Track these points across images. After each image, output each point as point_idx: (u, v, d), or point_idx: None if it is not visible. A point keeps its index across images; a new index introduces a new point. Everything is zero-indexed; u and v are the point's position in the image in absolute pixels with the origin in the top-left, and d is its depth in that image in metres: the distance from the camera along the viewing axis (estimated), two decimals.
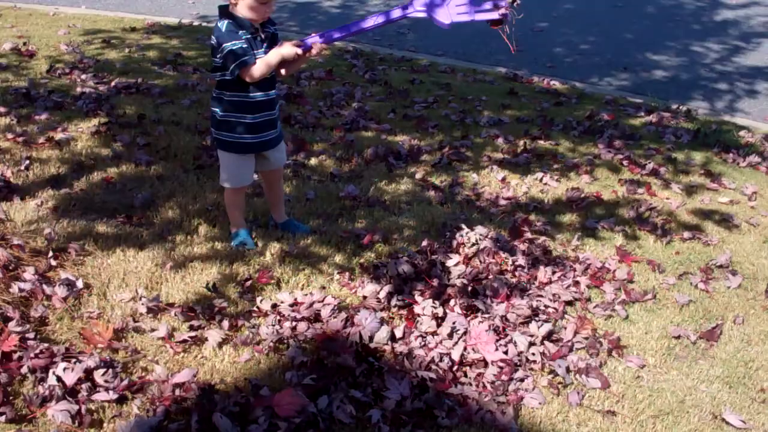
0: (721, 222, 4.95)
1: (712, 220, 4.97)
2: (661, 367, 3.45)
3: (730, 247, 4.64)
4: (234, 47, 3.53)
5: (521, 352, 3.31)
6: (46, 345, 2.95)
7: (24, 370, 2.84)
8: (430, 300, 3.49)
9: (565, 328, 3.53)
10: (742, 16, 11.38)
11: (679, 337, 3.66)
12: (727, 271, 4.34)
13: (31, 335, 3.03)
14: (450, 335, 3.32)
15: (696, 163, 5.92)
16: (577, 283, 3.92)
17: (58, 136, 4.98)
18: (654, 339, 3.63)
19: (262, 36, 3.69)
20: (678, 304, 3.95)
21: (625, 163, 5.70)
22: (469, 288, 3.63)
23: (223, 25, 3.57)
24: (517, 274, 3.89)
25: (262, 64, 3.60)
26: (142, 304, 3.33)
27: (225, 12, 3.63)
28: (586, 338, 3.50)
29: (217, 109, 3.77)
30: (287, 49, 3.66)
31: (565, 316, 3.67)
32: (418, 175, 5.06)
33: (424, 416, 2.88)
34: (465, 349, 3.27)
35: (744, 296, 4.14)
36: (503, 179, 5.16)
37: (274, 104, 3.84)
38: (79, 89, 5.96)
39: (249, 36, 3.61)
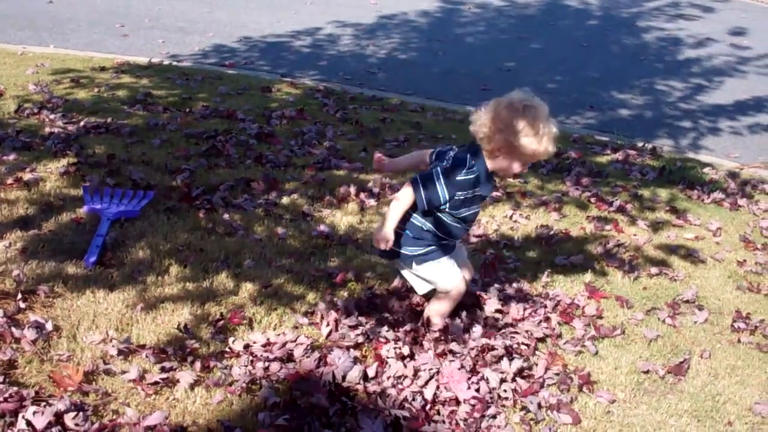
0: (686, 257, 5.02)
1: (678, 255, 5.04)
2: (631, 401, 3.48)
3: (696, 283, 4.70)
4: None
5: (493, 389, 3.33)
6: (15, 389, 2.93)
7: None
8: (392, 343, 3.51)
9: (536, 365, 3.56)
10: (704, 55, 11.61)
11: (648, 371, 3.70)
12: (694, 306, 4.40)
13: (0, 379, 3.00)
14: (416, 375, 3.34)
15: (662, 200, 6.00)
16: (548, 320, 3.95)
17: (27, 176, 4.96)
18: (623, 374, 3.66)
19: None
20: (646, 339, 3.99)
21: (592, 200, 5.78)
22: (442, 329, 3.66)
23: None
24: (490, 312, 3.91)
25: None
26: (113, 346, 3.32)
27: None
28: (557, 374, 3.52)
29: None
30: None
31: (536, 352, 3.69)
32: None
33: None
34: (437, 388, 3.29)
35: (710, 331, 4.19)
36: None
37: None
38: (47, 129, 5.94)
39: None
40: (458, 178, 3.32)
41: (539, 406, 3.30)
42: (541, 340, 3.80)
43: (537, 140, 3.27)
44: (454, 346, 3.55)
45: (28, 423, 2.77)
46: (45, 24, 9.98)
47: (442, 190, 3.31)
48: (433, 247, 3.52)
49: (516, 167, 3.38)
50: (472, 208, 3.48)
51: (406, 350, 3.46)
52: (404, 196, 3.37)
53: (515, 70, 10.04)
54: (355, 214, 5.02)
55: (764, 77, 10.76)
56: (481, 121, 3.38)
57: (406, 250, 3.53)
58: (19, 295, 3.57)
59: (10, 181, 4.88)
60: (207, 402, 3.10)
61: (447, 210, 3.40)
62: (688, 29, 13.26)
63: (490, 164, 3.40)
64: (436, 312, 3.70)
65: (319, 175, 5.57)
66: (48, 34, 9.56)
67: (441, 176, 3.32)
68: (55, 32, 9.66)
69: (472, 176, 3.34)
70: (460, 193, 3.33)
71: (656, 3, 15.30)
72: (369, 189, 5.39)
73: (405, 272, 3.70)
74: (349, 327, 3.62)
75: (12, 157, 5.30)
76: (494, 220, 5.19)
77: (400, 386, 3.28)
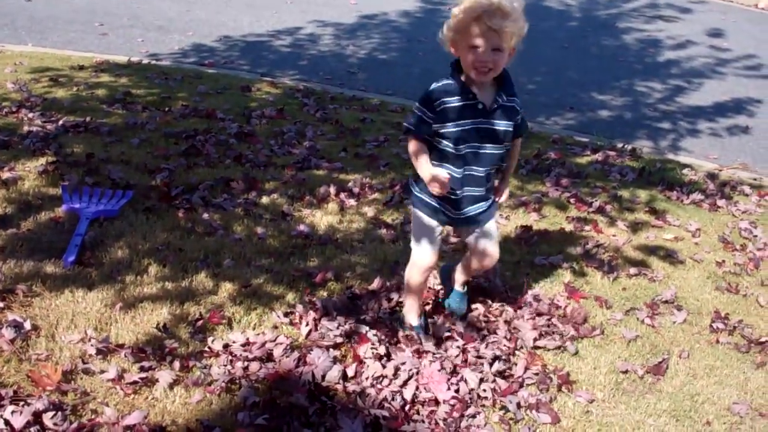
0: (665, 258, 5.04)
1: (657, 256, 5.06)
2: (610, 401, 3.49)
3: (675, 283, 4.73)
4: None
5: (472, 389, 3.34)
6: None
7: None
8: (368, 344, 3.51)
9: (516, 365, 3.57)
10: (683, 57, 11.67)
11: (626, 371, 3.71)
12: (673, 306, 4.42)
13: None
14: (395, 374, 3.35)
15: (641, 201, 6.03)
16: (529, 320, 3.96)
17: (5, 175, 4.93)
18: (602, 374, 3.68)
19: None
20: (625, 339, 4.01)
21: (572, 200, 5.79)
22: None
23: None
24: (473, 313, 3.92)
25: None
26: (92, 345, 3.31)
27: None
28: (536, 374, 3.53)
29: None
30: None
31: (516, 352, 3.70)
32: (369, 213, 5.09)
33: None
34: (417, 388, 3.29)
35: (689, 331, 4.21)
36: None
37: None
38: (26, 128, 5.91)
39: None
40: (431, 88, 3.27)
41: (518, 405, 3.31)
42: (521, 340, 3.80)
43: (459, 10, 3.13)
44: (429, 346, 3.55)
45: (7, 422, 2.76)
46: (23, 22, 9.92)
47: (419, 107, 3.29)
48: (422, 195, 3.48)
49: (469, 57, 3.14)
50: (469, 142, 3.28)
51: (382, 350, 3.46)
52: (409, 144, 3.37)
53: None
54: (335, 214, 5.01)
55: (743, 79, 10.83)
56: None
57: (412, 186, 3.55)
58: None
59: None
60: (186, 401, 3.09)
61: (440, 134, 3.29)
62: (667, 30, 13.34)
63: (463, 77, 3.27)
64: (405, 282, 3.73)
65: (299, 175, 5.56)
66: (26, 32, 9.50)
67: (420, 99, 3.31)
68: (33, 30, 9.59)
69: (443, 82, 3.27)
70: (437, 103, 3.24)
71: (635, 4, 15.38)
72: (349, 189, 5.38)
73: None
74: (329, 327, 3.61)
75: None
76: None
77: (379, 386, 3.28)
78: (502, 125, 3.30)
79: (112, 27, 10.14)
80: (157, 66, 8.46)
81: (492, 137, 3.30)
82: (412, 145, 3.31)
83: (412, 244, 3.59)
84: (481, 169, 3.34)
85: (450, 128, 3.25)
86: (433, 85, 3.27)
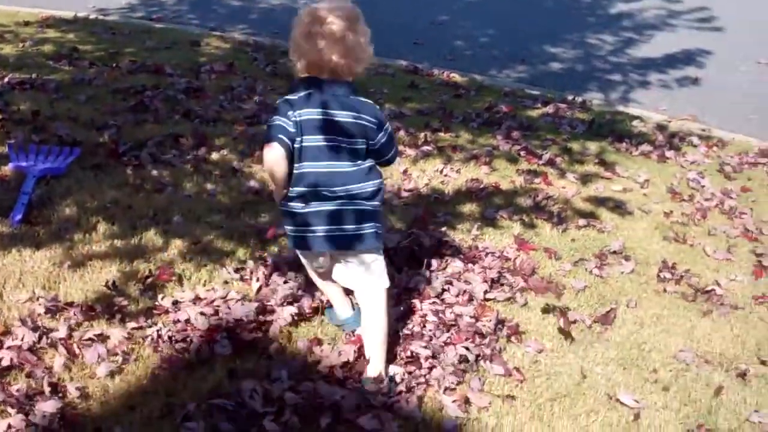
0: (614, 209, 5.10)
1: (606, 207, 5.12)
2: (558, 351, 3.54)
3: (623, 234, 4.79)
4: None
5: (428, 340, 3.38)
6: None
7: None
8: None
9: (469, 316, 3.59)
10: (635, 9, 11.70)
11: (575, 321, 3.77)
12: (621, 256, 4.48)
13: None
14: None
15: (591, 153, 6.08)
16: (480, 273, 3.99)
17: None
18: (551, 324, 3.72)
19: None
20: (574, 289, 4.06)
21: (522, 153, 5.82)
22: None
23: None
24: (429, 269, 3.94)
25: None
26: (40, 304, 3.28)
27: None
28: (485, 325, 3.56)
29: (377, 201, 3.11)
30: None
31: (467, 304, 3.73)
32: None
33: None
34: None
35: (637, 281, 4.28)
36: (405, 171, 5.21)
37: None
38: None
39: None
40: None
41: (469, 356, 3.34)
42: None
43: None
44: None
45: None
46: None
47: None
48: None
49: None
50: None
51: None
52: None
53: (448, 23, 10.02)
54: None
55: (694, 31, 10.89)
56: None
57: None
58: None
59: None
60: (138, 358, 3.09)
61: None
62: None
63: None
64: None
65: (250, 130, 5.52)
66: None
67: None
68: None
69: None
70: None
71: None
72: None
73: None
74: (279, 283, 3.62)
75: None
76: (425, 174, 5.20)
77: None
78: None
79: None
80: (105, 21, 8.33)
81: None
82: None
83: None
84: None
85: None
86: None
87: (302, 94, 2.93)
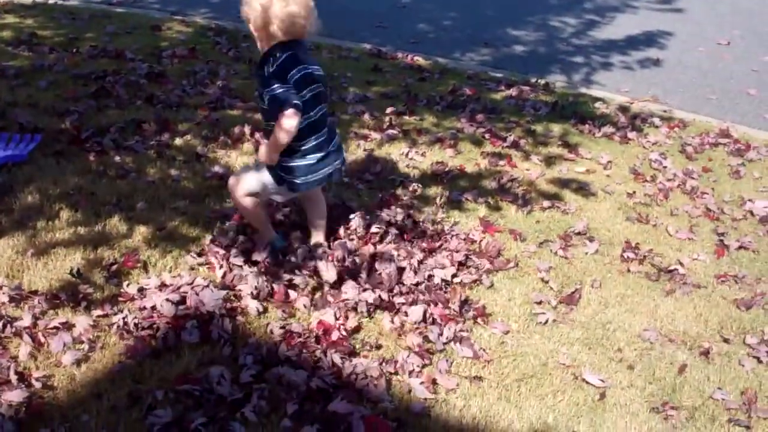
0: (578, 191, 5.14)
1: (570, 189, 5.15)
2: (525, 332, 3.58)
3: (587, 215, 4.82)
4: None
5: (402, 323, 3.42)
6: None
7: None
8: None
9: (437, 298, 3.61)
10: None
11: (540, 302, 3.80)
12: (585, 237, 4.52)
13: None
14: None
15: (554, 135, 6.11)
16: (449, 255, 4.00)
17: None
18: (517, 305, 3.76)
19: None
20: (539, 270, 4.09)
21: (486, 136, 5.84)
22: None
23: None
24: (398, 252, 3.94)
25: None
26: (4, 292, 3.25)
27: None
28: (452, 308, 3.58)
29: None
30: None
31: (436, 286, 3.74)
32: None
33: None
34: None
35: (601, 261, 4.32)
36: (370, 154, 5.20)
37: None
38: None
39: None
40: None
41: (437, 337, 3.37)
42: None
43: None
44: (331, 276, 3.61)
45: None
46: None
47: None
48: None
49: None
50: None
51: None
52: None
53: (410, 6, 10.01)
54: (251, 155, 4.97)
55: (655, 12, 10.97)
56: None
57: None
58: None
59: None
60: (105, 344, 3.07)
61: None
62: None
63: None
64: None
65: (213, 115, 5.49)
66: None
67: None
68: None
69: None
70: None
71: None
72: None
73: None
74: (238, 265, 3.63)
75: None
76: (390, 157, 5.20)
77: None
78: (256, 91, 3.56)
79: None
80: (64, 6, 8.21)
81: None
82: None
83: None
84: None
85: None
86: None
87: (286, 55, 3.36)
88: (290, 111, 3.27)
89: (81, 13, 7.89)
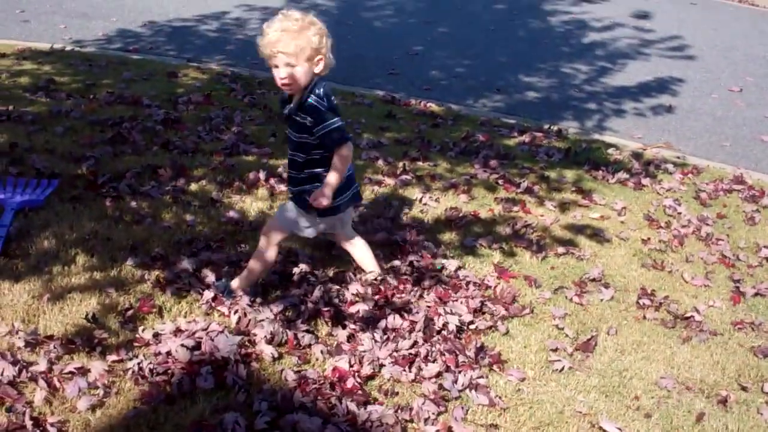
0: (592, 237, 5.13)
1: (585, 235, 5.15)
2: (541, 379, 3.56)
3: (602, 261, 4.81)
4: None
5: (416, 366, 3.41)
6: None
7: None
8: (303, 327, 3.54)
9: (453, 345, 3.60)
10: (608, 38, 11.82)
11: (556, 349, 3.78)
12: (600, 284, 4.50)
13: None
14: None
15: (568, 181, 6.11)
16: (465, 302, 4.00)
17: None
18: (533, 352, 3.74)
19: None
20: (554, 317, 4.07)
21: (500, 182, 5.85)
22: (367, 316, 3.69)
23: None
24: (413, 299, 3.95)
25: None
26: (19, 337, 3.25)
27: None
28: (468, 354, 3.57)
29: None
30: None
31: (452, 333, 3.73)
32: None
33: None
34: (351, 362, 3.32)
35: (616, 308, 4.30)
36: (385, 200, 5.21)
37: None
38: None
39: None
40: None
41: (453, 383, 3.36)
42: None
43: None
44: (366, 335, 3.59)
45: None
46: None
47: None
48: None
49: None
50: (289, 142, 3.70)
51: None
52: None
53: (423, 54, 10.08)
54: (265, 200, 4.99)
55: (666, 59, 11.02)
56: None
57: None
58: None
59: None
60: (119, 391, 3.07)
61: None
62: (593, 12, 13.49)
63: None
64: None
65: (228, 161, 5.52)
66: None
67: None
68: None
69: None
70: None
71: None
72: (279, 174, 5.36)
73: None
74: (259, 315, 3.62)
75: None
76: (404, 203, 5.22)
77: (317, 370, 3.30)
78: (294, 135, 3.60)
79: (33, 14, 9.91)
80: (81, 53, 8.30)
81: (291, 142, 3.64)
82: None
83: None
84: (292, 169, 3.70)
85: None
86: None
87: (326, 87, 3.50)
88: (349, 142, 3.46)
89: (98, 60, 7.97)
